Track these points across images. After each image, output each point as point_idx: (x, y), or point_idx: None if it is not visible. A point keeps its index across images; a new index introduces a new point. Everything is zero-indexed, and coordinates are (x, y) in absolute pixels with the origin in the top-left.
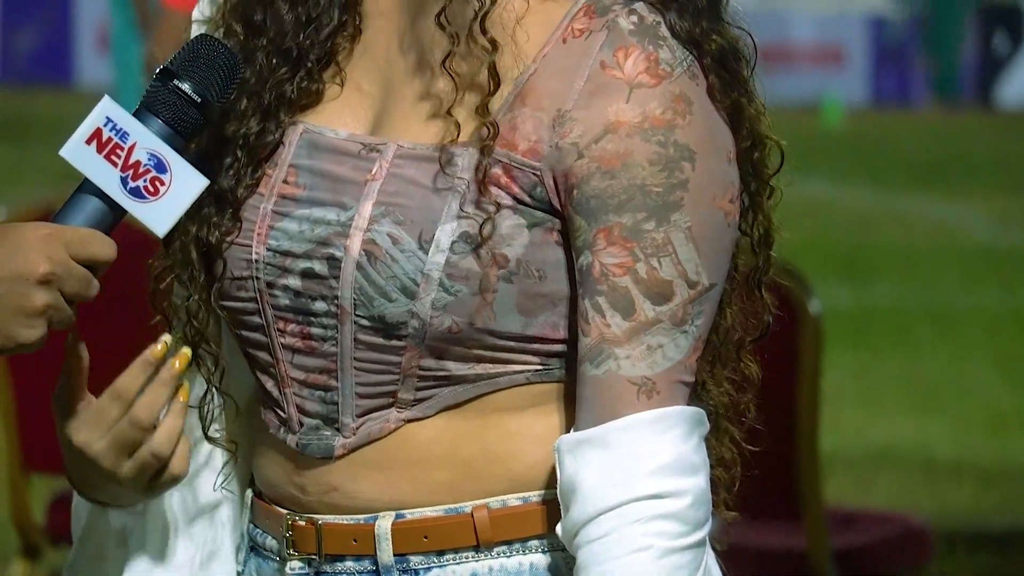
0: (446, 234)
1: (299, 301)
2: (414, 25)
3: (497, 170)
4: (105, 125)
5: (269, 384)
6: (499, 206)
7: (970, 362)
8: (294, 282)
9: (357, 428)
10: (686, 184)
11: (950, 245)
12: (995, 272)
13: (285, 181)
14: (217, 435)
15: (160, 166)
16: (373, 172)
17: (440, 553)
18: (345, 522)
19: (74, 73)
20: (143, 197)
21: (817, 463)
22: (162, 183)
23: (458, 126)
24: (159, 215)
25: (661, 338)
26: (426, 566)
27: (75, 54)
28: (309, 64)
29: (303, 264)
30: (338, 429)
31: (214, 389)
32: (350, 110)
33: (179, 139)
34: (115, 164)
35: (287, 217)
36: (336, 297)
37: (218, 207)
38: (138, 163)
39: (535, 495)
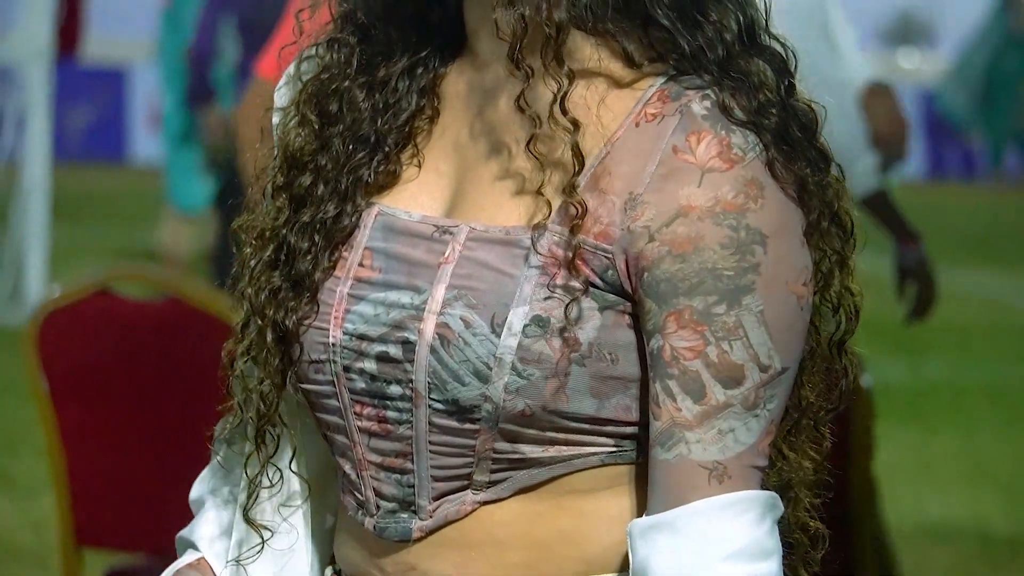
0: (518, 317)
1: (375, 385)
2: (491, 108)
3: (568, 252)
4: None
5: (347, 467)
6: (572, 289)
7: None
8: (370, 366)
9: (434, 511)
10: (758, 268)
11: (1005, 320)
12: None
13: (361, 264)
14: (263, 518)
15: None
16: (446, 255)
17: None
18: None
19: (126, 150)
20: None
21: (875, 535)
22: None
23: (533, 209)
24: None
25: (732, 422)
26: None
27: (127, 132)
28: (387, 148)
29: (378, 348)
30: (415, 512)
31: (282, 470)
32: (427, 192)
33: None
34: None
35: (363, 300)
36: (411, 381)
37: (295, 291)
38: None
39: None
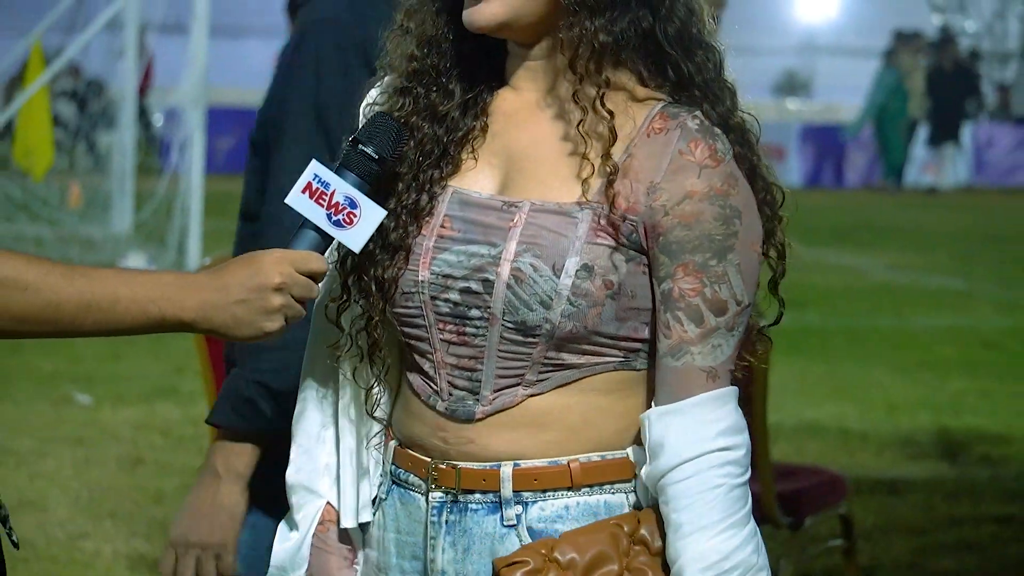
0: (572, 265)
1: (457, 309)
2: (533, 120)
3: (604, 221)
4: (313, 179)
5: (427, 366)
6: (607, 246)
7: (872, 365)
8: (454, 296)
9: (493, 399)
10: (737, 234)
11: (858, 283)
12: (890, 303)
13: (442, 226)
14: (378, 414)
15: (353, 204)
16: (514, 220)
17: (544, 491)
18: (477, 468)
19: None
20: (343, 227)
21: (767, 434)
22: (355, 216)
23: (578, 190)
24: (355, 238)
25: (720, 339)
26: (534, 500)
27: None
28: (451, 153)
29: (462, 284)
30: (478, 400)
31: (381, 380)
32: (484, 178)
33: (365, 185)
34: (322, 205)
35: (446, 251)
36: (489, 307)
37: (388, 252)
38: (338, 204)
39: (611, 454)
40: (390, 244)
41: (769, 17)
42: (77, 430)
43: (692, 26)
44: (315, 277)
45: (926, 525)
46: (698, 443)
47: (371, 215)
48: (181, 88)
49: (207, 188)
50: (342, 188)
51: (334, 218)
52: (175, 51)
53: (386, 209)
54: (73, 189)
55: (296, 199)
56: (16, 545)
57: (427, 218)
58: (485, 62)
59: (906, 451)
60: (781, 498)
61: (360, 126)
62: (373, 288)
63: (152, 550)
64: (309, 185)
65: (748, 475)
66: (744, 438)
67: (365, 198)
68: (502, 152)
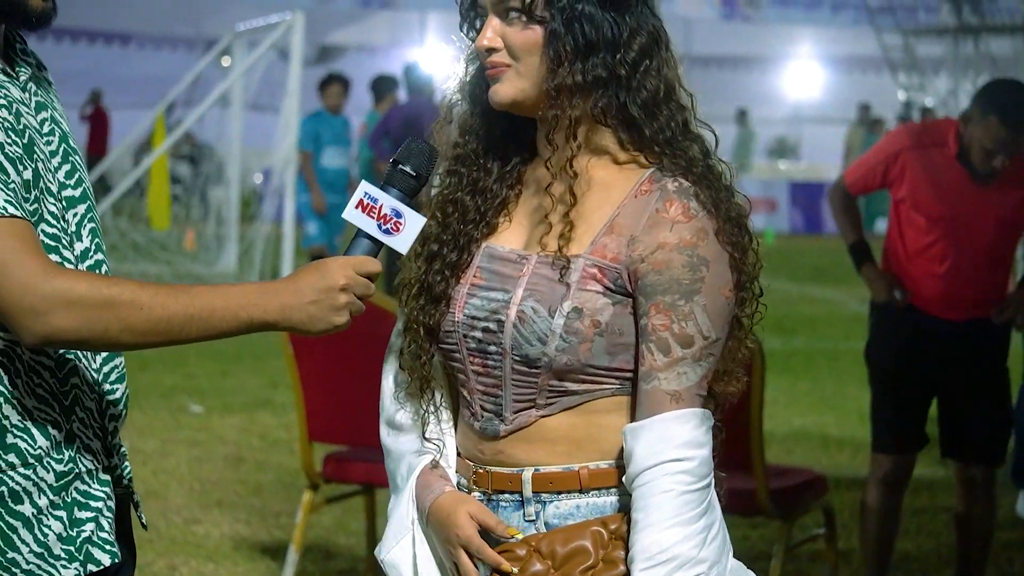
0: (565, 307)
1: (480, 345)
2: (549, 188)
3: (594, 269)
4: (364, 196)
5: (465, 393)
6: (595, 291)
7: (848, 382)
8: (478, 334)
9: (513, 419)
10: (703, 279)
11: (837, 313)
12: (862, 329)
13: (475, 276)
14: (431, 435)
15: (398, 215)
16: (523, 271)
17: (558, 492)
18: (505, 472)
19: None
20: (391, 234)
21: (761, 440)
22: (401, 224)
23: (575, 246)
24: (402, 243)
25: (685, 368)
26: (550, 499)
27: None
28: (488, 218)
29: (483, 324)
30: (502, 420)
31: (434, 406)
32: (512, 235)
33: (407, 198)
34: (373, 217)
35: (475, 296)
36: (501, 343)
37: (434, 302)
38: (386, 215)
39: (613, 462)
40: (435, 295)
41: (764, 94)
42: (191, 434)
43: (660, 91)
44: (372, 277)
45: None
46: (657, 454)
47: (414, 222)
48: (275, 152)
49: (296, 233)
50: (388, 202)
51: (383, 227)
52: (270, 123)
53: (431, 268)
54: (188, 235)
55: (351, 214)
56: (145, 526)
57: (465, 270)
58: (517, 140)
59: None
60: (773, 494)
61: (399, 150)
62: (422, 333)
63: (252, 533)
64: (361, 201)
65: (703, 483)
66: (700, 452)
67: (408, 208)
68: (529, 213)
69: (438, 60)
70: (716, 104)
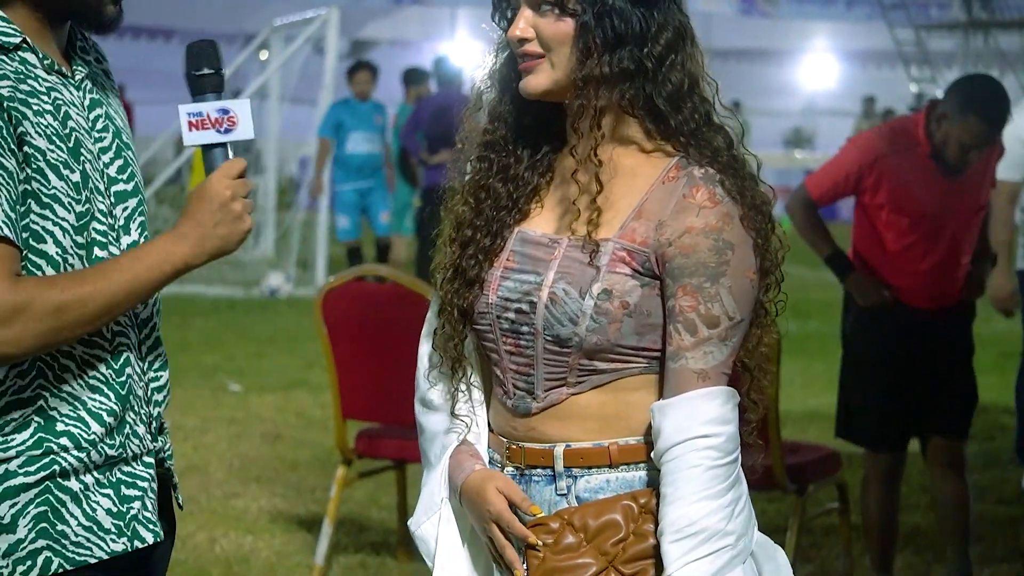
0: (595, 289)
1: (514, 326)
2: (578, 175)
3: (623, 253)
4: (189, 116)
5: (498, 372)
6: (624, 274)
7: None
8: (511, 315)
9: (544, 397)
10: (729, 262)
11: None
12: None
13: (508, 259)
14: (460, 412)
15: (224, 111)
16: (555, 255)
17: (589, 467)
18: (538, 448)
19: None
20: (231, 131)
21: (778, 419)
22: (234, 118)
23: (604, 230)
24: (244, 131)
25: (711, 347)
26: (581, 474)
27: None
28: (520, 205)
29: (516, 305)
30: (534, 398)
31: (465, 384)
32: (544, 220)
33: (218, 93)
34: (208, 128)
35: (508, 279)
36: (533, 324)
37: (468, 286)
38: (217, 119)
39: (642, 439)
40: (469, 279)
41: (780, 86)
42: (230, 412)
43: (685, 84)
44: (242, 174)
45: (902, 491)
46: (684, 430)
47: (242, 107)
48: (310, 142)
49: (329, 221)
50: (210, 107)
51: (221, 130)
52: (306, 115)
53: (465, 253)
54: None
55: (190, 138)
56: (180, 507)
57: (499, 254)
58: (546, 128)
59: None
60: (789, 470)
61: (187, 61)
62: (456, 315)
63: (288, 507)
64: (190, 123)
65: (730, 458)
66: (727, 428)
67: (229, 101)
68: (559, 199)
69: (468, 53)
70: (734, 96)
